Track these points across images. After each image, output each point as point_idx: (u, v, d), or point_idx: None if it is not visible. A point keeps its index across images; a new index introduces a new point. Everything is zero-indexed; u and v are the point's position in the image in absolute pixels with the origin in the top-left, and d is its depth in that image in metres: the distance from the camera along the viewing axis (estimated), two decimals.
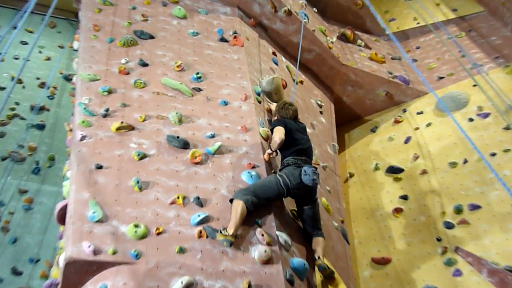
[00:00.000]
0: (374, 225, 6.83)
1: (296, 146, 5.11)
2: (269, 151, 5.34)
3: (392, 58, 9.29)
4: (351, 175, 7.74)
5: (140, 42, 6.37)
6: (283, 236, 4.75)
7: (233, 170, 5.17)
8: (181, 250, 4.31)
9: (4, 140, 8.43)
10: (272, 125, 5.31)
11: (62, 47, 10.22)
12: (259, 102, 6.21)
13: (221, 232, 4.45)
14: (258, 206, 4.75)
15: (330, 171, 6.89)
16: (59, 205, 4.68)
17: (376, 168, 7.59)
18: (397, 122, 8.28)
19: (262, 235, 4.60)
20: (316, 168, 5.00)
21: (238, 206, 4.59)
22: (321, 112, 7.68)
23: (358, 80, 8.53)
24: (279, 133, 5.10)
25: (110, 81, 5.73)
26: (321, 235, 5.08)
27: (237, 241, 4.50)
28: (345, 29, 9.26)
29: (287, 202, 5.27)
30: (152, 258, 4.22)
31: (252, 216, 4.73)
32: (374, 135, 8.31)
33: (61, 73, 9.72)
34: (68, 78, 9.58)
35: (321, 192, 6.18)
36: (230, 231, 4.44)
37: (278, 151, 5.27)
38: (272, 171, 5.34)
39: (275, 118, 5.52)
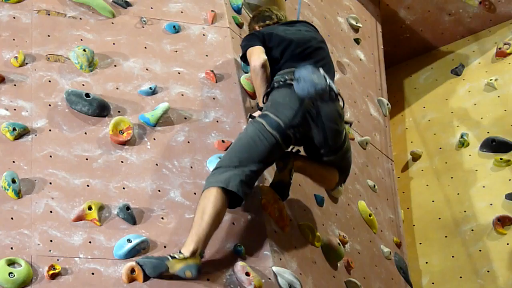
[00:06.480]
0: (459, 250, 6.92)
1: (289, 54, 5.34)
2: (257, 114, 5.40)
3: None
4: (416, 157, 7.78)
5: None
6: (285, 276, 4.82)
7: (192, 154, 5.26)
8: None
9: None
10: (242, 49, 5.48)
11: None
12: (239, 25, 6.27)
13: (174, 257, 4.48)
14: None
15: (374, 150, 6.97)
16: None
17: (463, 143, 7.63)
18: (502, 55, 8.30)
19: (247, 274, 4.67)
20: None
21: (208, 201, 4.60)
22: (357, 41, 7.68)
23: None
24: (256, 53, 5.29)
25: None
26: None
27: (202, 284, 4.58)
28: None
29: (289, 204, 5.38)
30: None
31: (228, 236, 4.83)
32: (457, 81, 8.34)
33: None
34: None
35: (357, 190, 6.30)
36: (188, 249, 4.48)
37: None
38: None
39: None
